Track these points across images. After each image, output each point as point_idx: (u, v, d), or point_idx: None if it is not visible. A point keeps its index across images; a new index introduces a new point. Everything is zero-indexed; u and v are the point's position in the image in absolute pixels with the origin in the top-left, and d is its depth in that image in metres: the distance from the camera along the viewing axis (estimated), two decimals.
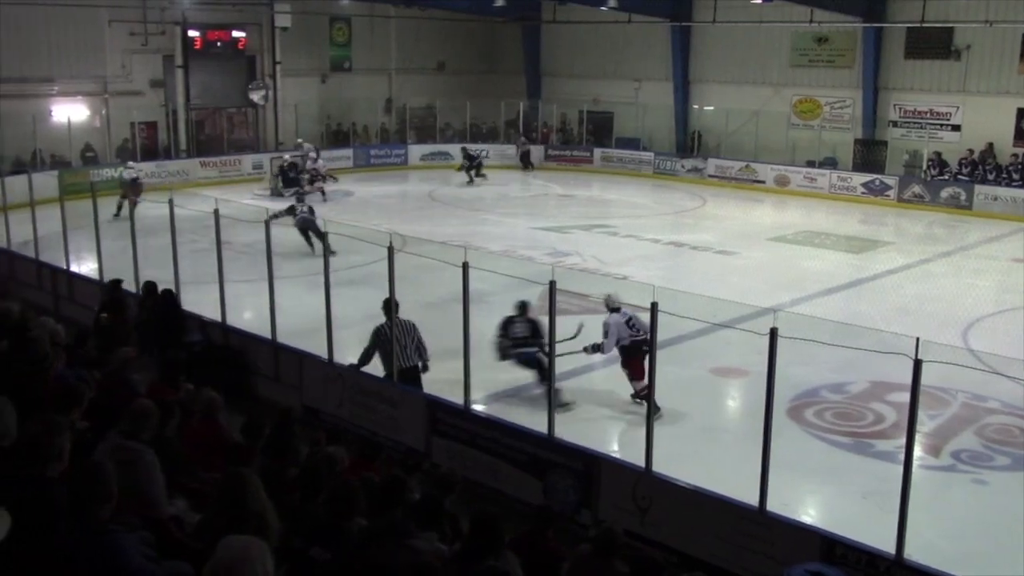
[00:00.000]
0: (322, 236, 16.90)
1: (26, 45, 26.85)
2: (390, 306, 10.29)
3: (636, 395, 11.15)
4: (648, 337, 9.23)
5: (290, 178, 27.14)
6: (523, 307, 11.60)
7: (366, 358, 10.56)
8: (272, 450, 6.62)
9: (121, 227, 13.65)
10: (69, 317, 13.20)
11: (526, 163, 33.23)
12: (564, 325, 9.70)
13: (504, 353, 11.46)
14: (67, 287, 15.00)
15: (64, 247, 14.96)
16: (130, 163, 24.46)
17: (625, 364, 11.24)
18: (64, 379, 6.75)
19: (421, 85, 36.01)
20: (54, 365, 6.93)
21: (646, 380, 9.29)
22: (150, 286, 12.24)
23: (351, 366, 10.69)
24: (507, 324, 11.53)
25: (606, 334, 11.13)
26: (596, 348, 11.27)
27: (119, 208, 21.06)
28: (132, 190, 21.53)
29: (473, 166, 29.91)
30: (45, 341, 7.34)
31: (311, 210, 19.21)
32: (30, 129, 25.22)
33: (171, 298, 12.09)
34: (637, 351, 10.83)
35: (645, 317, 9.05)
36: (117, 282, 12.51)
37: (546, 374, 9.61)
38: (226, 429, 7.09)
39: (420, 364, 10.56)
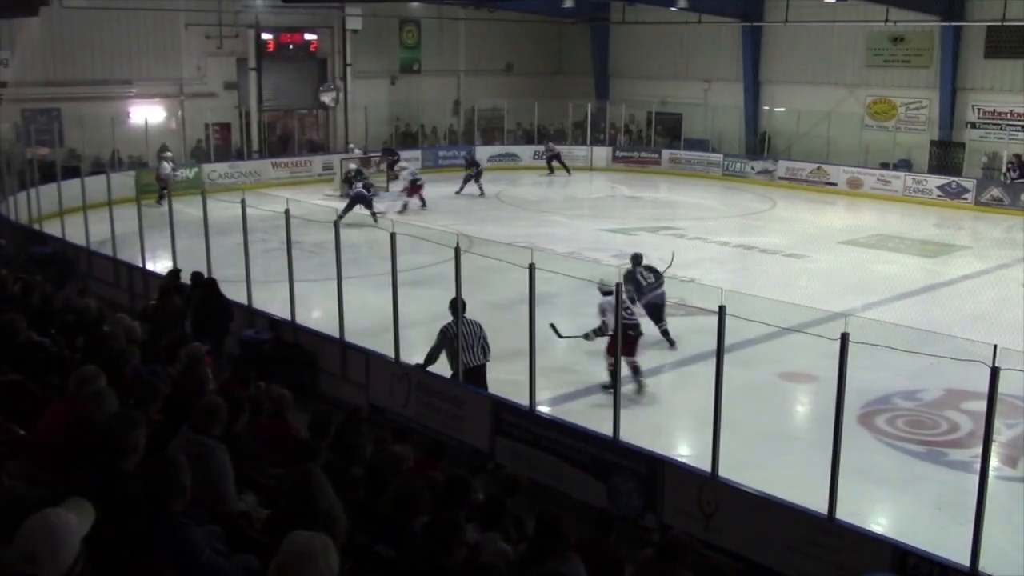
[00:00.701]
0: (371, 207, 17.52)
1: (105, 48, 27.69)
2: (456, 305, 10.37)
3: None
4: (638, 323, 11.78)
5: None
6: (638, 257, 13.90)
7: (432, 357, 10.62)
8: (338, 448, 6.70)
9: (196, 226, 13.94)
10: None
11: (551, 167, 32.45)
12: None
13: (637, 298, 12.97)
14: (143, 284, 15.35)
15: (140, 245, 15.33)
16: (168, 152, 25.70)
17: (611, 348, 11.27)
18: (140, 375, 6.92)
19: (489, 87, 36.20)
20: (129, 362, 7.11)
21: (636, 357, 11.54)
22: (197, 277, 12.50)
23: (417, 365, 10.77)
24: (630, 276, 13.08)
25: (603, 313, 11.55)
26: (599, 332, 11.56)
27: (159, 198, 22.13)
28: (161, 181, 23.54)
29: (474, 175, 28.05)
30: (121, 337, 7.55)
31: (367, 187, 20.49)
32: (109, 131, 25.95)
33: (214, 287, 12.31)
34: (626, 335, 10.96)
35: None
36: (175, 272, 12.85)
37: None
38: (294, 427, 7.20)
39: (485, 363, 10.63)
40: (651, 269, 13.80)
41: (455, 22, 35.25)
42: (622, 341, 10.50)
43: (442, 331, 10.50)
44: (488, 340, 10.66)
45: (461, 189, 27.98)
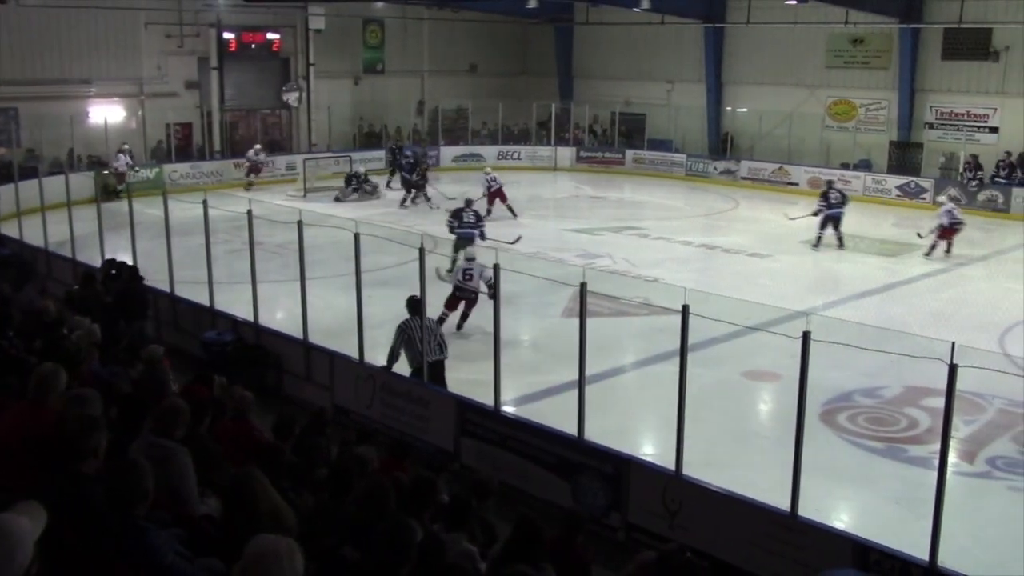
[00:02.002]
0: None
1: (64, 47, 27.28)
2: (414, 303, 10.56)
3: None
4: (473, 290, 13.66)
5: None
6: (469, 202, 18.20)
7: (394, 356, 10.69)
8: (301, 450, 6.66)
9: (158, 227, 13.80)
10: None
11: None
12: (594, 327, 9.65)
13: (451, 229, 17.32)
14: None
15: (100, 246, 15.13)
16: (125, 146, 26.04)
17: (449, 303, 13.84)
18: (99, 376, 6.84)
19: (453, 87, 36.14)
20: (87, 363, 7.02)
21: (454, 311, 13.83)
22: (120, 265, 12.82)
23: (382, 368, 10.75)
24: (458, 212, 17.57)
25: (480, 275, 13.53)
26: (490, 287, 11.68)
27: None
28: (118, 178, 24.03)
29: (415, 182, 26.21)
30: (81, 339, 7.45)
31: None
32: (67, 131, 25.63)
33: (135, 276, 12.44)
34: (462, 295, 13.88)
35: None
36: (110, 261, 13.26)
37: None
38: (257, 428, 7.14)
39: (443, 359, 10.80)
40: (476, 213, 17.81)
41: (419, 22, 35.16)
42: (458, 298, 13.68)
43: (400, 328, 10.64)
44: (444, 337, 10.80)
45: (388, 183, 28.33)
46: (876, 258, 20.83)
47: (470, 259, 14.14)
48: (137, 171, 25.76)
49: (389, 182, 28.62)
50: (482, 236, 17.21)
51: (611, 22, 33.74)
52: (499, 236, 17.77)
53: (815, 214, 21.28)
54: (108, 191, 21.60)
